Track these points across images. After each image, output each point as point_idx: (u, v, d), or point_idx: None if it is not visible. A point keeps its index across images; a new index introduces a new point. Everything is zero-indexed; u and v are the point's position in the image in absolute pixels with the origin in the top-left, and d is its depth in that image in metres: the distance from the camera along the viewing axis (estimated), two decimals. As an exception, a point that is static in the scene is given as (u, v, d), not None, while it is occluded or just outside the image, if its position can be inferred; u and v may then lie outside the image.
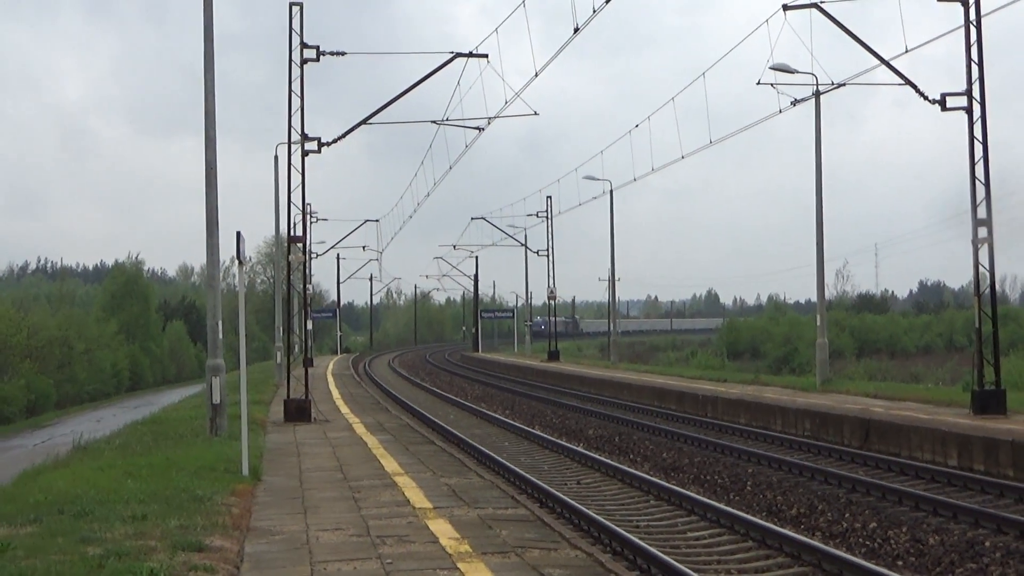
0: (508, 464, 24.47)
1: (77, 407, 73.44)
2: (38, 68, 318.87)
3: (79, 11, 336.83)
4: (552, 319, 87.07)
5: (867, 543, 16.54)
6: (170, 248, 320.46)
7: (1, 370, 65.76)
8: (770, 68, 34.56)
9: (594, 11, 25.67)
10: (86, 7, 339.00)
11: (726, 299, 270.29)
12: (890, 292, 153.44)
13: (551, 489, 20.48)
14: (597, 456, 26.72)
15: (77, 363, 78.71)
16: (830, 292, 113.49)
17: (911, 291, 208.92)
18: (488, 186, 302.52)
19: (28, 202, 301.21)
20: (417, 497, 16.53)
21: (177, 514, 13.96)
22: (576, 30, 27.16)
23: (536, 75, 31.80)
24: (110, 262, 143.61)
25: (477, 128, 37.00)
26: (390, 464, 21.01)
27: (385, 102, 33.95)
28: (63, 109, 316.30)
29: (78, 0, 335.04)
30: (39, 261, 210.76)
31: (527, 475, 22.54)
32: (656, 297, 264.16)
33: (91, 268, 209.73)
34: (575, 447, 28.82)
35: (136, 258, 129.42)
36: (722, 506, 18.80)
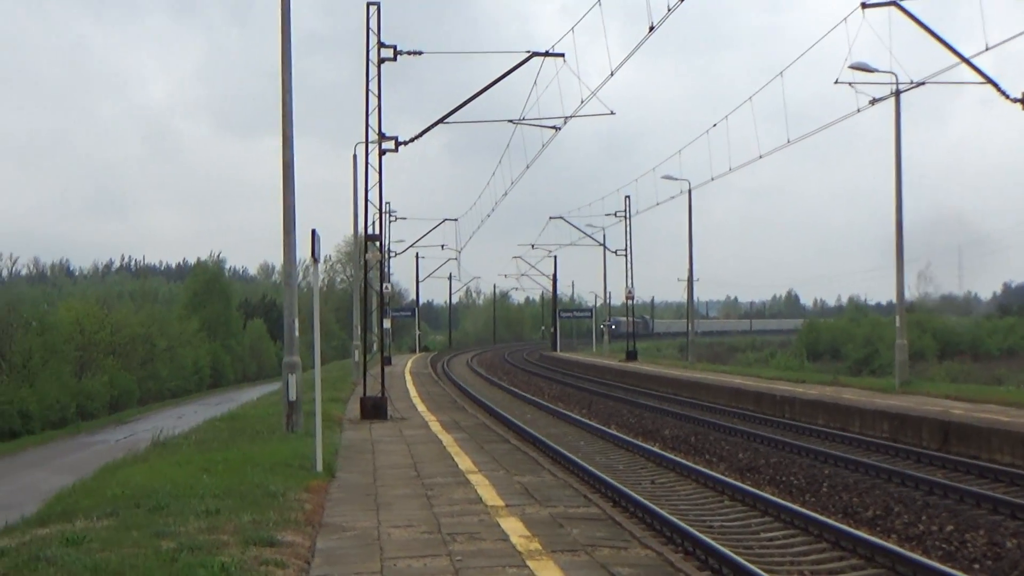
0: (582, 463, 24.43)
1: (159, 403, 74.46)
2: (124, 69, 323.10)
3: (165, 12, 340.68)
4: (630, 320, 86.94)
5: (943, 546, 16.35)
6: (251, 247, 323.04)
7: (86, 366, 66.73)
8: (849, 67, 34.30)
9: (668, 9, 25.56)
10: (171, 8, 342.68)
11: (806, 300, 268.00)
12: (973, 294, 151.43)
13: (624, 488, 20.43)
14: (672, 456, 26.61)
15: (159, 360, 79.78)
16: (912, 294, 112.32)
17: (995, 293, 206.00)
18: (566, 185, 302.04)
19: (113, 202, 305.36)
20: (489, 495, 16.56)
21: (250, 509, 14.08)
22: (651, 29, 27.06)
23: (612, 74, 31.73)
24: (192, 260, 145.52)
25: (553, 127, 37.02)
26: (464, 462, 21.06)
27: (462, 101, 34.09)
28: (148, 110, 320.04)
29: (164, 1, 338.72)
30: (123, 259, 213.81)
31: (600, 474, 22.50)
32: (735, 298, 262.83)
33: (173, 266, 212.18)
34: (651, 447, 28.72)
35: (218, 257, 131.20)
36: (797, 507, 18.66)
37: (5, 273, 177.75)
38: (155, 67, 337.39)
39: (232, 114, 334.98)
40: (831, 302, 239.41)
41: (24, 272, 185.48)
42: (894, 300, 42.39)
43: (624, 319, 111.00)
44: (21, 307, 67.61)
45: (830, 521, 17.19)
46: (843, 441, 29.60)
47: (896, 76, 36.34)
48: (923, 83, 35.75)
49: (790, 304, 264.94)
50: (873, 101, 35.52)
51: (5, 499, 28.88)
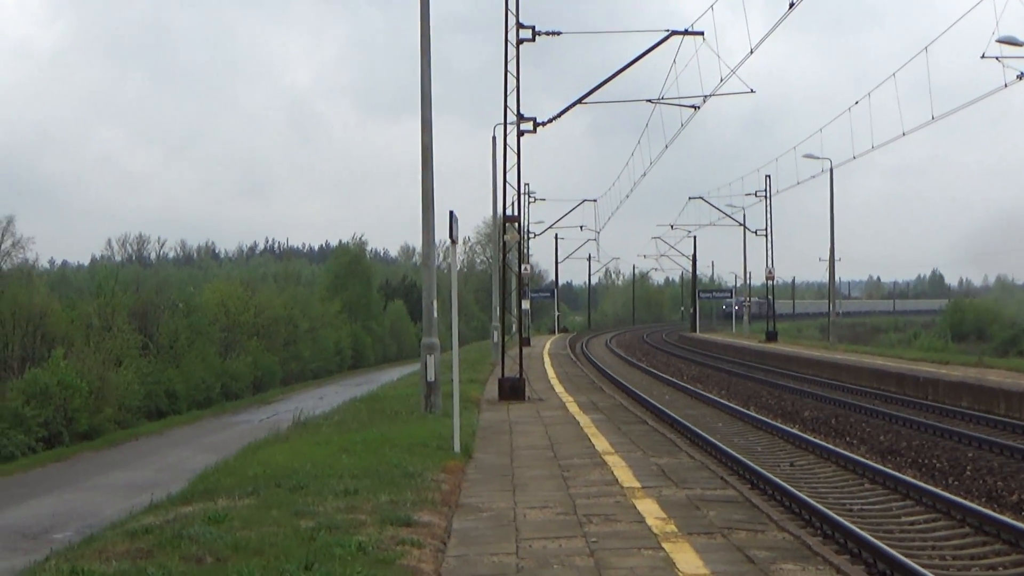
0: (720, 444, 24.29)
1: (302, 384, 75.47)
2: (269, 54, 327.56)
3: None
4: (771, 300, 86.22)
5: (1091, 532, 15.96)
6: (392, 229, 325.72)
7: (230, 347, 67.85)
8: (996, 41, 33.58)
9: (808, -14, 25.23)
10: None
11: (951, 279, 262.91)
12: None
13: (762, 470, 20.26)
14: (812, 438, 26.34)
15: (302, 341, 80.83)
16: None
17: None
18: (705, 165, 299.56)
19: (258, 185, 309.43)
20: (626, 476, 16.53)
21: (388, 489, 14.22)
22: (791, 5, 26.75)
23: (751, 52, 31.47)
24: (334, 243, 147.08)
25: (692, 107, 36.79)
26: (601, 443, 21.04)
27: (600, 81, 34.07)
28: (292, 94, 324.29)
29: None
30: (267, 242, 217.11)
31: (738, 455, 22.35)
32: (878, 277, 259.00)
33: (316, 248, 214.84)
34: (790, 429, 28.47)
35: (359, 239, 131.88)
36: (939, 491, 18.35)
37: (153, 256, 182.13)
38: (299, 51, 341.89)
39: (374, 96, 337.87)
40: (977, 281, 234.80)
41: (171, 255, 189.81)
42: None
43: (753, 299, 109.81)
44: (168, 289, 68.99)
45: (973, 505, 16.91)
46: (988, 424, 29.04)
47: (1045, 49, 35.47)
48: (1073, 55, 34.85)
49: (935, 284, 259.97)
50: (1021, 75, 34.71)
51: (152, 477, 29.55)
